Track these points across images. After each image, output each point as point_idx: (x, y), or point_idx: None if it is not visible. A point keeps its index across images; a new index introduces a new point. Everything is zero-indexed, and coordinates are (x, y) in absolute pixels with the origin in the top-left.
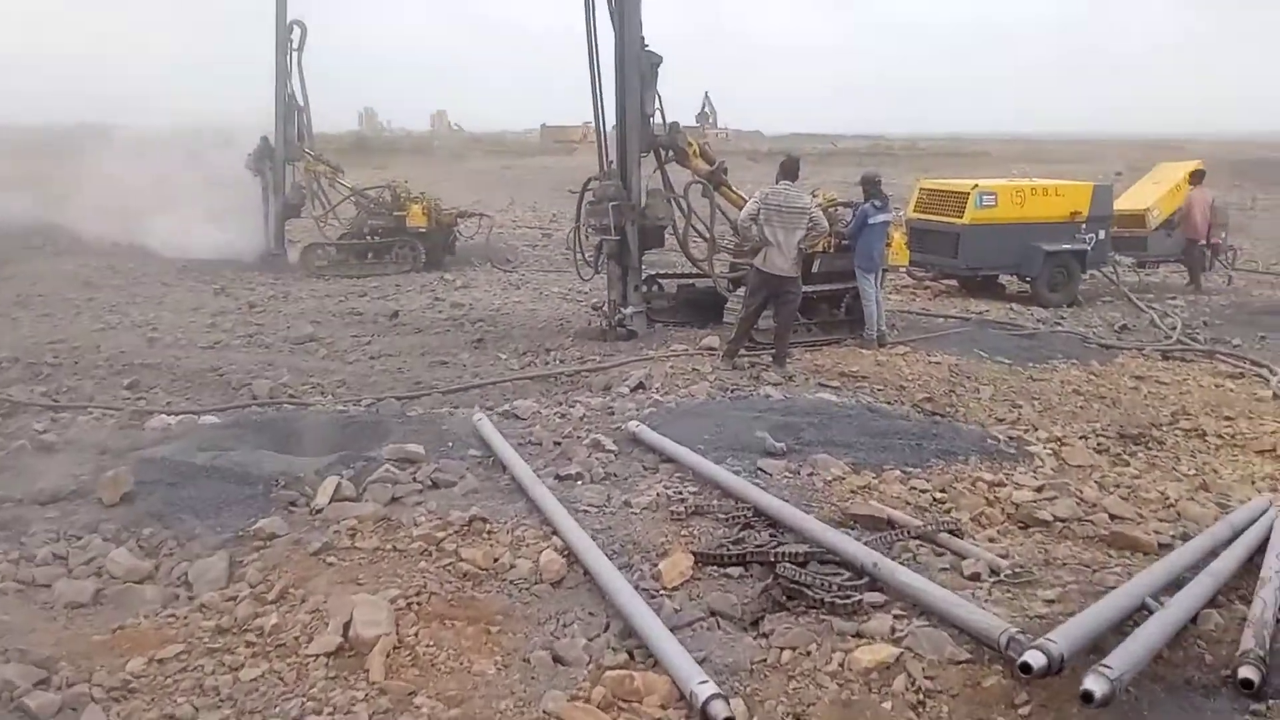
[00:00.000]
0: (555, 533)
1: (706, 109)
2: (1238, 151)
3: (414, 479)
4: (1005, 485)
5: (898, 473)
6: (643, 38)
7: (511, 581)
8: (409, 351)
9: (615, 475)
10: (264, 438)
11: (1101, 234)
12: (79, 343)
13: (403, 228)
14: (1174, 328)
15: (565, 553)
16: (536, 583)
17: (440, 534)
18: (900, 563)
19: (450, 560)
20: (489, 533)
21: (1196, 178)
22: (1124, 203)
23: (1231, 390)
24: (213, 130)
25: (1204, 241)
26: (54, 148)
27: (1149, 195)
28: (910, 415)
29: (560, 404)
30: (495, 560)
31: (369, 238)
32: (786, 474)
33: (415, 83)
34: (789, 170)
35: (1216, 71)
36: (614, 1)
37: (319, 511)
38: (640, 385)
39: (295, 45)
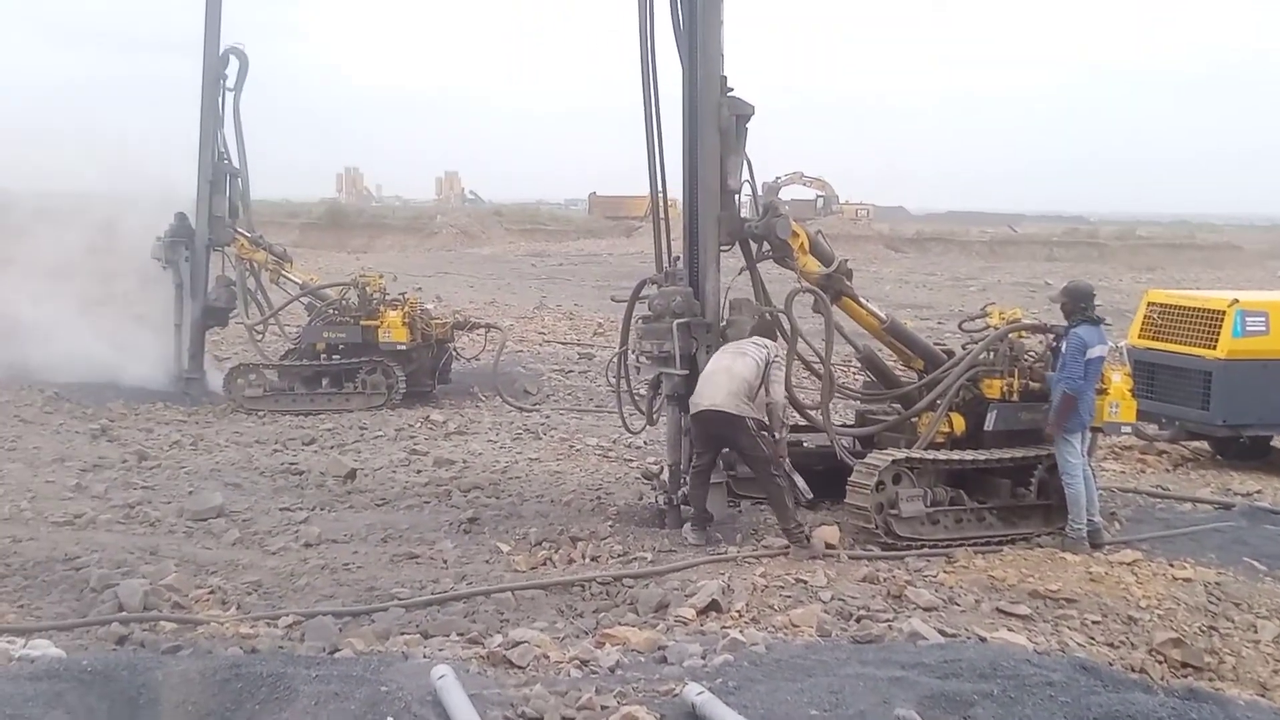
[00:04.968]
0: None
1: (801, 183)
2: None
3: None
4: None
5: None
6: (724, 77)
7: None
8: (365, 535)
9: None
10: (93, 699)
11: None
12: None
13: (373, 344)
14: None
15: None
16: None
17: None
18: None
19: None
20: None
21: None
22: None
23: None
24: (107, 202)
25: None
26: None
27: None
28: (1149, 676)
29: (585, 636)
30: None
31: (325, 357)
32: None
33: (420, 136)
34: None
35: None
36: (682, 21)
37: None
38: (713, 606)
39: (230, 84)
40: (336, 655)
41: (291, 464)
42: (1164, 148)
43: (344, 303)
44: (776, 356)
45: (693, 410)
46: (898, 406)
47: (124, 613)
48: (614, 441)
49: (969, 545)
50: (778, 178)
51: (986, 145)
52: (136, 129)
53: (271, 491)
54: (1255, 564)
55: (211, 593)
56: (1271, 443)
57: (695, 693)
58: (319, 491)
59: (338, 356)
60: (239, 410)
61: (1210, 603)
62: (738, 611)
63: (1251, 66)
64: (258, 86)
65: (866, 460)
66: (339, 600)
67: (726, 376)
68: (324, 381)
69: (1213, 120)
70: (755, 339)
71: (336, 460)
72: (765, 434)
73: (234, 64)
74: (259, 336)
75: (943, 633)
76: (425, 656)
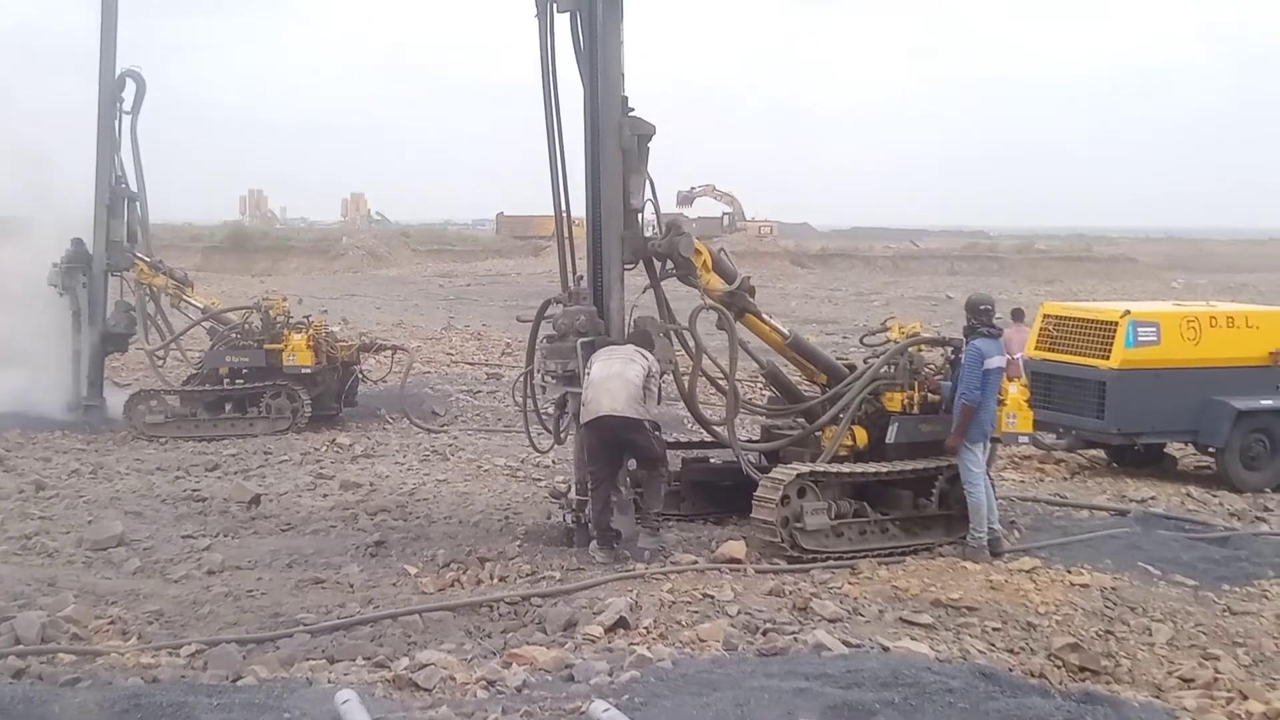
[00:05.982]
0: None
1: (713, 196)
2: None
3: None
4: None
5: None
6: (625, 98)
7: None
8: (269, 562)
9: None
10: None
11: None
12: None
13: (278, 367)
14: None
15: None
16: None
17: None
18: None
19: None
20: None
21: None
22: None
23: None
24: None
25: None
26: None
27: None
28: (1048, 681)
29: (493, 657)
30: None
31: (228, 382)
32: None
33: (325, 157)
34: (640, 340)
35: None
36: (582, 42)
37: None
38: (621, 623)
39: (127, 107)
40: (239, 683)
41: (194, 490)
42: (1062, 161)
43: (247, 326)
44: (656, 371)
45: (589, 417)
46: (801, 421)
47: (20, 646)
48: (522, 461)
49: (873, 556)
50: (692, 188)
51: (882, 152)
52: (31, 152)
53: (173, 519)
54: (1150, 569)
55: (112, 623)
56: (1165, 449)
57: (601, 710)
58: (222, 518)
59: (241, 381)
60: (140, 437)
61: (1106, 607)
62: (645, 628)
63: (1144, 78)
64: (155, 108)
65: (771, 475)
66: (243, 628)
67: (622, 383)
68: (227, 406)
69: (1107, 132)
70: (637, 348)
71: (240, 486)
72: (659, 434)
73: (131, 88)
74: (160, 362)
75: (847, 643)
76: (330, 682)
